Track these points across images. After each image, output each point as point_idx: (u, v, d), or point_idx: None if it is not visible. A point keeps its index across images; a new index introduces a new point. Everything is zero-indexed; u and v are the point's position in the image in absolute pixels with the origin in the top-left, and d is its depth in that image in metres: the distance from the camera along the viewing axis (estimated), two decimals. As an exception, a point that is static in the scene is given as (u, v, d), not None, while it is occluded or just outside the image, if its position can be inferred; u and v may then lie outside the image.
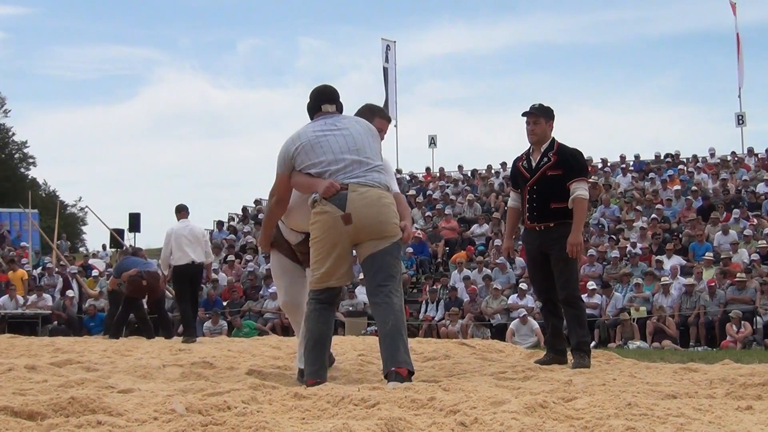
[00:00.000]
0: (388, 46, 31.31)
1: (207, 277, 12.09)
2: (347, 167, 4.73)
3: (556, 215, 6.22)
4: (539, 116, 6.34)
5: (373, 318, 4.92)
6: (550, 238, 6.21)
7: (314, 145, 4.82)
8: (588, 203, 6.33)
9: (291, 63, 77.07)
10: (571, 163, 6.27)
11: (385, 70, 30.85)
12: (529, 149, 6.47)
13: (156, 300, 12.67)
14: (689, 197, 18.45)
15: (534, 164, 6.33)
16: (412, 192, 24.16)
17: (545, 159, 6.28)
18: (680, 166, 22.16)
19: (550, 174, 6.23)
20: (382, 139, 5.15)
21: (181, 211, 11.66)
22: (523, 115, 6.42)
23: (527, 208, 6.34)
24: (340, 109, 5.08)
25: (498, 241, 18.55)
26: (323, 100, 5.04)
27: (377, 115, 5.25)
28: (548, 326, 6.65)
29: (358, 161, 4.75)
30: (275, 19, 75.14)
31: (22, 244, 23.49)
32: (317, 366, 4.66)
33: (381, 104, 30.62)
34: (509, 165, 25.00)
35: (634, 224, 17.67)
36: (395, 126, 31.06)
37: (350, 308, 16.39)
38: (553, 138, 6.40)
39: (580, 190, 6.17)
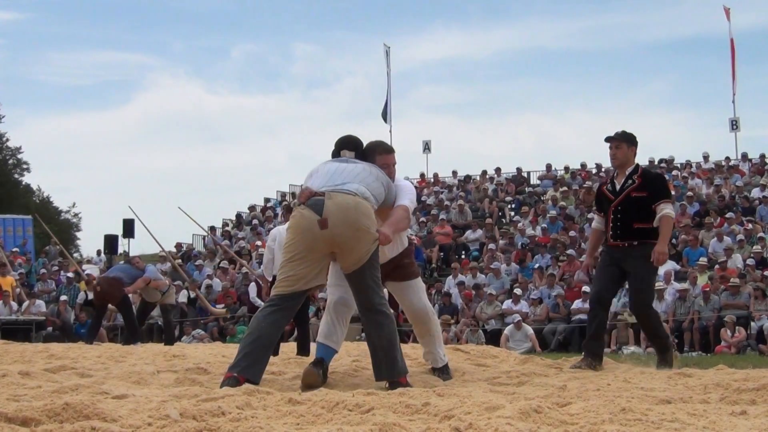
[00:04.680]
0: (386, 51, 31.44)
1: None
2: (327, 182, 4.95)
3: (638, 234, 6.54)
4: (621, 142, 6.70)
5: (365, 330, 5.05)
6: (632, 255, 6.53)
7: (314, 172, 5.14)
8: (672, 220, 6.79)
9: (285, 69, 77.01)
10: (656, 186, 6.65)
11: (387, 75, 31.00)
12: (613, 173, 6.89)
13: (117, 305, 12.74)
14: (683, 202, 18.49)
15: (618, 187, 6.70)
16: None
17: (630, 181, 6.65)
18: (674, 172, 22.20)
19: (635, 195, 6.58)
20: (391, 173, 5.36)
21: (291, 211, 10.43)
22: (606, 140, 6.76)
23: (611, 227, 6.68)
24: (360, 157, 5.31)
25: (492, 245, 18.58)
26: (343, 147, 5.34)
27: (377, 152, 5.39)
28: (591, 329, 6.82)
29: (341, 179, 4.96)
30: (269, 24, 75.06)
31: (13, 249, 23.40)
32: (248, 363, 4.72)
33: (381, 108, 30.50)
34: (503, 170, 25.19)
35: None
36: (389, 132, 31.18)
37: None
38: (637, 163, 6.81)
39: (666, 209, 6.55)
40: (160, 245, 18.28)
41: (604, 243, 6.90)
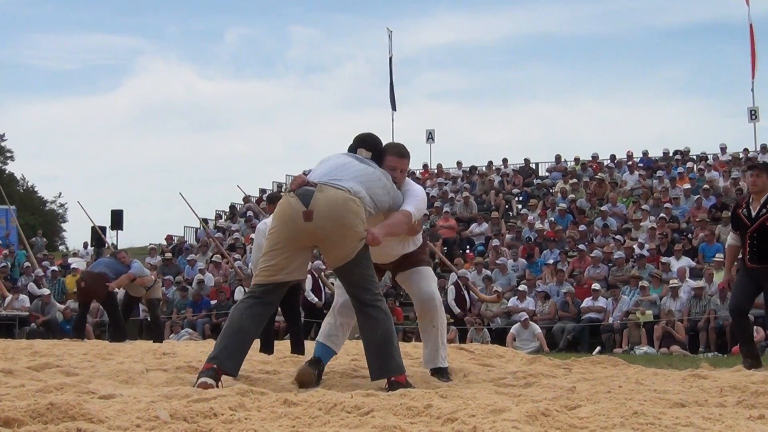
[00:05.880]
0: (388, 35, 31.40)
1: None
2: (326, 174, 4.98)
3: None
4: (762, 171, 7.76)
5: (359, 325, 5.15)
6: (766, 275, 7.60)
7: (323, 161, 5.19)
8: None
9: (282, 53, 77.01)
10: None
11: (390, 60, 30.93)
12: (748, 198, 7.92)
13: (102, 302, 12.84)
14: (699, 196, 18.47)
15: (753, 213, 7.68)
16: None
17: (764, 210, 7.63)
18: (690, 164, 22.19)
19: None
20: (398, 179, 5.34)
21: (275, 202, 10.27)
22: (748, 168, 7.98)
23: (748, 251, 7.68)
24: (376, 158, 5.32)
25: (496, 241, 18.55)
26: (361, 144, 5.35)
27: (388, 153, 5.40)
28: (742, 335, 7.90)
29: (340, 174, 4.98)
30: (265, 7, 75.02)
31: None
32: (226, 355, 4.85)
33: (386, 95, 30.34)
34: (510, 161, 25.19)
35: (642, 224, 17.69)
36: (391, 120, 31.14)
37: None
38: None
39: None
40: (212, 237, 18.19)
41: (741, 262, 7.84)
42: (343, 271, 4.98)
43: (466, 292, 15.73)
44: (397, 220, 5.16)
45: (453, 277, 17.19)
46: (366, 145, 5.34)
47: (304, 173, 5.19)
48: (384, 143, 5.47)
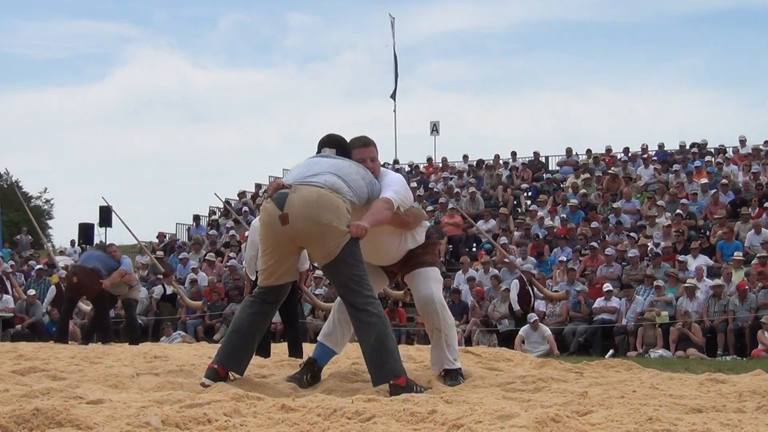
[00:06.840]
0: (391, 22, 31.41)
1: (301, 288, 10.21)
2: (300, 174, 5.19)
3: None
4: None
5: (355, 331, 5.33)
6: None
7: (293, 168, 5.45)
8: None
9: (279, 41, 76.89)
10: None
11: (393, 48, 30.94)
12: None
13: (93, 299, 12.70)
14: (717, 191, 18.45)
15: None
16: (412, 184, 24.21)
17: None
18: (708, 157, 22.17)
19: None
20: (371, 168, 5.50)
21: None
22: None
23: None
24: (343, 155, 5.50)
25: (504, 238, 18.54)
26: (324, 145, 5.57)
27: (354, 147, 5.58)
28: None
29: (314, 170, 5.18)
30: (261, -8, 74.98)
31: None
32: (226, 353, 5.25)
33: (390, 86, 30.33)
34: (519, 154, 25.17)
35: (657, 220, 17.68)
36: (393, 111, 31.13)
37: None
38: None
39: None
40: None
41: None
42: (331, 270, 5.13)
43: (530, 288, 15.51)
44: (378, 208, 5.25)
45: (459, 278, 17.21)
46: (329, 144, 5.54)
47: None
48: (349, 140, 5.63)
